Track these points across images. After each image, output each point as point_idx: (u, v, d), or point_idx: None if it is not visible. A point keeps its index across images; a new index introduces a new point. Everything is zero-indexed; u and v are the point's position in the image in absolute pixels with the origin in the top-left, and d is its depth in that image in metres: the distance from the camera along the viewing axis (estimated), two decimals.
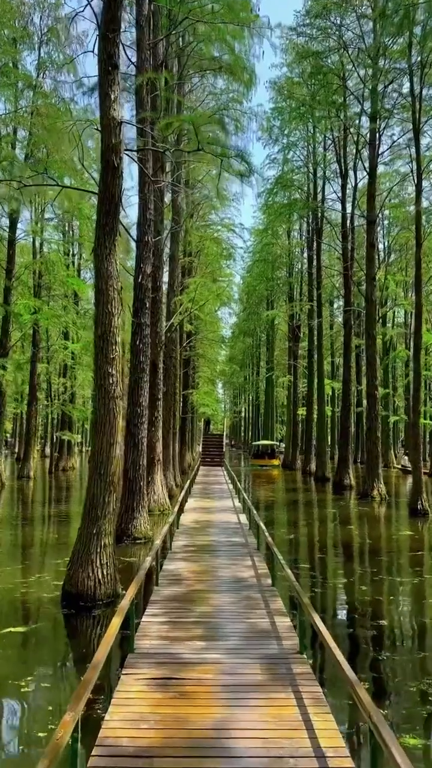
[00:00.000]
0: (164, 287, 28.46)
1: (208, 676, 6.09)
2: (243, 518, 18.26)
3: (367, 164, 29.12)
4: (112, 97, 10.67)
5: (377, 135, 28.62)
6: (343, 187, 34.66)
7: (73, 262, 46.57)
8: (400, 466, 50.43)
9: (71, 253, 46.30)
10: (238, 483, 24.24)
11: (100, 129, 11.08)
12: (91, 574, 10.07)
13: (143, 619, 7.99)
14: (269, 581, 10.17)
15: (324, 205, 39.18)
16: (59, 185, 16.65)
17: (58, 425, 46.63)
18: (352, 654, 8.07)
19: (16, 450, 64.68)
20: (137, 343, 16.40)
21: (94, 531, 10.30)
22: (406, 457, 53.65)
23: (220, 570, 11.02)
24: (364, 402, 58.05)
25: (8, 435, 70.88)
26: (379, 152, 29.04)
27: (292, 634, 7.42)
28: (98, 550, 10.23)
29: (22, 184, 15.15)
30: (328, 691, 6.16)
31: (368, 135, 29.21)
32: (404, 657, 8.07)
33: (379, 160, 29.20)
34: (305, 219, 48.69)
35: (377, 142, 28.67)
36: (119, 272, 11.12)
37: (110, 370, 10.60)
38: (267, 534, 11.33)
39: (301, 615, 6.98)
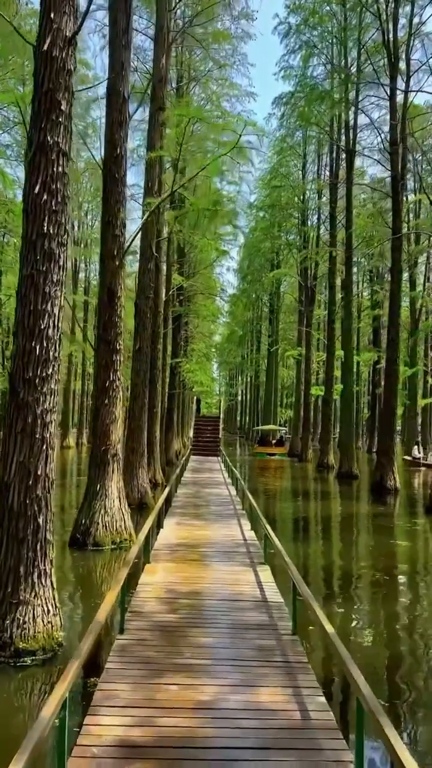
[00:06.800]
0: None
1: None
2: (266, 579, 9.11)
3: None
4: None
5: None
6: (393, 78, 25.24)
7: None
8: (410, 458, 41.20)
9: None
10: (248, 493, 14.86)
11: None
12: None
13: None
14: None
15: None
16: None
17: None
18: None
19: None
20: (37, 197, 7.08)
21: None
22: (415, 448, 42.97)
23: None
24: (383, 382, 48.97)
25: None
26: None
27: None
28: None
29: None
30: None
31: None
32: None
33: None
34: (327, 141, 39.28)
35: None
36: None
37: None
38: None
39: None
